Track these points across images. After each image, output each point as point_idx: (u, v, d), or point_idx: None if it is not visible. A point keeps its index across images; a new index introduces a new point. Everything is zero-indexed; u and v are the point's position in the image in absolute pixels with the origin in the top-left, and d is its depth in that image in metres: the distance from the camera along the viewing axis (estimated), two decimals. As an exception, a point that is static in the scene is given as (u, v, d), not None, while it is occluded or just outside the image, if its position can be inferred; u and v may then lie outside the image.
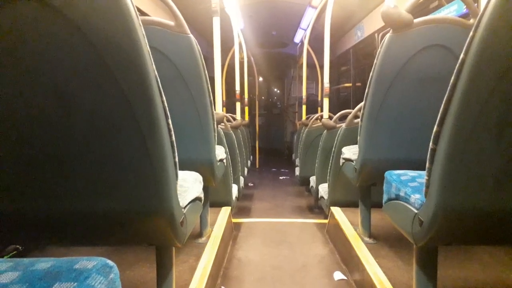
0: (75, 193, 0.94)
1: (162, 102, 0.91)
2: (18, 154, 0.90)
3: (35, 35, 0.79)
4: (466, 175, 0.96)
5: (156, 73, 0.88)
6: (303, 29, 6.13)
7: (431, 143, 1.00)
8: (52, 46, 0.80)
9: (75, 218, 0.99)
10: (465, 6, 2.44)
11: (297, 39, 7.01)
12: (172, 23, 1.56)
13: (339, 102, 6.55)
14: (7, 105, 0.85)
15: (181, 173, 1.09)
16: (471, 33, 0.87)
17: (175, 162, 1.00)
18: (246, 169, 4.40)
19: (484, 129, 0.91)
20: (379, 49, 1.58)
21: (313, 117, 4.17)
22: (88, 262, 0.59)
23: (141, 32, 0.82)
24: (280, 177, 5.89)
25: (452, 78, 0.91)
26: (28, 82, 0.83)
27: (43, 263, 0.59)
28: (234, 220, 2.81)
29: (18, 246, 1.77)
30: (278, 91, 9.27)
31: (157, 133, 0.89)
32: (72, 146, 0.89)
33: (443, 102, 0.94)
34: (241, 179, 3.52)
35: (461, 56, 0.89)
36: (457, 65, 0.90)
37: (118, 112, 0.86)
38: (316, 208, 3.50)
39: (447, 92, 0.93)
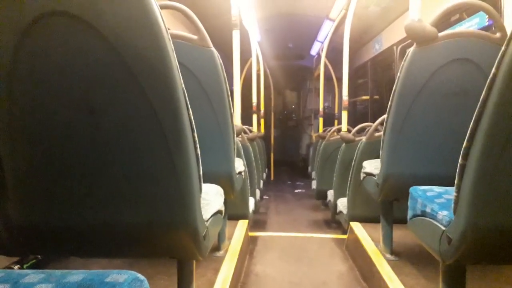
0: (100, 205, 0.95)
1: (189, 115, 0.91)
2: (44, 165, 0.91)
3: (68, 49, 0.81)
4: (497, 192, 0.93)
5: (184, 87, 0.88)
6: (319, 41, 6.14)
7: (460, 159, 0.98)
8: (84, 60, 0.82)
9: (98, 229, 0.99)
10: (487, 19, 2.41)
11: (313, 52, 7.02)
12: (195, 36, 1.58)
13: (356, 115, 6.50)
14: (37, 117, 0.87)
15: (203, 186, 1.09)
16: (503, 48, 0.85)
17: (199, 175, 1.00)
18: (261, 182, 4.38)
19: None
20: (402, 63, 1.57)
21: (330, 129, 4.14)
22: (119, 275, 0.59)
23: (170, 46, 0.83)
24: (296, 190, 5.84)
25: (483, 93, 0.89)
26: (59, 95, 0.85)
27: (75, 276, 0.59)
28: (250, 234, 2.79)
29: (37, 255, 1.79)
30: (294, 103, 9.26)
31: (184, 146, 0.89)
32: (99, 158, 0.90)
33: (474, 117, 0.92)
34: (258, 191, 3.50)
35: (493, 71, 0.87)
36: (488, 80, 0.88)
37: (146, 125, 0.87)
38: (334, 223, 3.45)
39: (477, 107, 0.91)
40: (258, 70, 5.30)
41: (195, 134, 0.95)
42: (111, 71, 0.82)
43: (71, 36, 0.80)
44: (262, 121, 5.79)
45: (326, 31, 5.34)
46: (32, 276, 0.60)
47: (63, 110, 0.86)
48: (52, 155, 0.91)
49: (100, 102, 0.85)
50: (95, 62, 0.82)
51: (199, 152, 0.98)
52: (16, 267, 1.67)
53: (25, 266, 1.72)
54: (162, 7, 1.52)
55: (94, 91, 0.84)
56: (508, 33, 0.85)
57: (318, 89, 5.41)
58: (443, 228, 1.08)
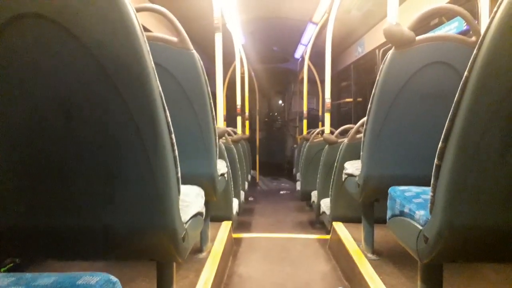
0: (77, 207, 0.93)
1: (166, 117, 0.91)
2: (19, 168, 0.90)
3: (42, 51, 0.80)
4: (472, 192, 0.95)
5: (160, 89, 0.88)
6: (303, 44, 6.19)
7: (436, 159, 1.00)
8: (58, 62, 0.81)
9: (75, 232, 0.98)
10: (465, 23, 2.47)
11: (297, 55, 7.07)
12: (175, 39, 1.57)
13: (340, 117, 6.56)
14: (11, 120, 0.85)
15: (183, 188, 1.09)
16: (474, 51, 0.87)
17: (177, 177, 0.99)
18: (246, 183, 4.38)
19: (490, 146, 0.91)
20: (381, 66, 1.59)
21: (314, 131, 4.17)
22: (91, 277, 0.58)
23: (146, 49, 0.83)
24: (281, 192, 5.86)
25: (457, 95, 0.92)
26: (34, 98, 0.84)
27: (46, 278, 0.58)
28: (234, 235, 2.78)
29: (15, 259, 1.75)
30: (279, 106, 9.31)
31: (161, 148, 0.89)
32: (75, 160, 0.89)
33: (448, 118, 0.94)
34: (242, 193, 3.50)
35: (465, 73, 0.89)
36: (461, 82, 0.90)
37: (122, 127, 0.86)
38: (318, 223, 3.47)
39: (451, 109, 0.93)
40: (243, 73, 5.31)
41: (173, 136, 0.95)
42: (86, 73, 0.82)
43: (45, 38, 0.79)
44: (247, 123, 5.78)
45: (309, 35, 5.39)
46: (2, 279, 0.59)
47: (37, 112, 0.85)
48: (27, 157, 0.89)
49: (76, 104, 0.84)
50: (70, 64, 0.81)
51: (177, 154, 0.97)
52: (-8, 271, 1.63)
53: (2, 269, 1.68)
54: (140, 9, 1.52)
55: (69, 93, 0.83)
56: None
57: (303, 91, 5.44)
58: (420, 228, 1.10)
